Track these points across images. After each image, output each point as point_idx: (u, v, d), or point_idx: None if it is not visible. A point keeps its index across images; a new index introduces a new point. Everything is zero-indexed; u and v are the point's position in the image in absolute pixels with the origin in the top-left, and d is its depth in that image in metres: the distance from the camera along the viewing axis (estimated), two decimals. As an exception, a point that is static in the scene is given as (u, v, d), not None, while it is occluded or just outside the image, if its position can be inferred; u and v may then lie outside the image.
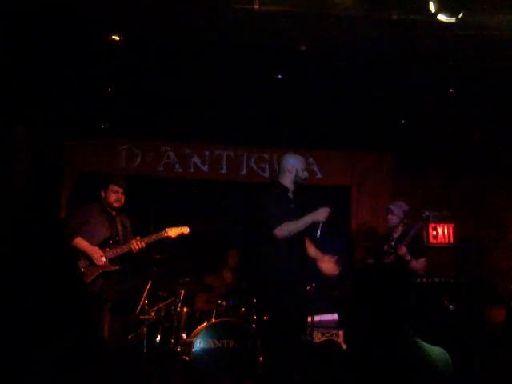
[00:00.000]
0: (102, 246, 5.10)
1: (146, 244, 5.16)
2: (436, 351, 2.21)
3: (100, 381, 5.31)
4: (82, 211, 5.28)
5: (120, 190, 5.24)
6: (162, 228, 5.26)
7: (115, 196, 5.21)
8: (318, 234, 4.51)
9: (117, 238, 5.18)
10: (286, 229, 4.43)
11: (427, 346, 2.20)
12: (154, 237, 5.20)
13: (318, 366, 5.24)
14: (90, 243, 5.05)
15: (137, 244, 5.11)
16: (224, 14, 4.28)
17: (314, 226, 4.53)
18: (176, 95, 5.96)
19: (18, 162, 6.26)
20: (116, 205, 5.22)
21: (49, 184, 6.72)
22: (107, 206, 5.24)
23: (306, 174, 4.70)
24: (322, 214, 4.50)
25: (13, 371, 4.56)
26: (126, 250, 5.12)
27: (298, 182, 4.68)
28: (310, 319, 5.73)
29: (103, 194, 5.24)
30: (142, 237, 5.20)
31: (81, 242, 5.04)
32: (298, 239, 4.56)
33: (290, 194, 4.69)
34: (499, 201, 7.68)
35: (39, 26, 4.53)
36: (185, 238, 6.83)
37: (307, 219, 4.49)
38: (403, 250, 5.09)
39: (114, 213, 5.29)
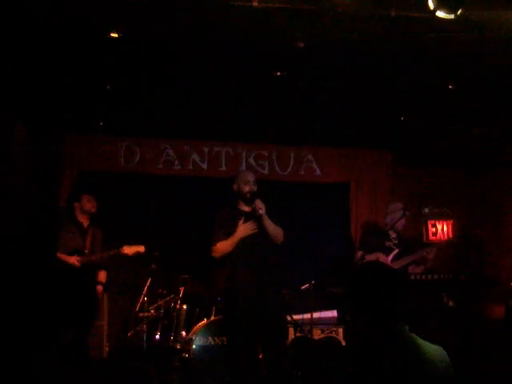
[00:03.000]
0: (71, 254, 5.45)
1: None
2: (434, 349, 2.21)
3: (100, 378, 5.32)
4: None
5: (93, 198, 5.64)
6: (121, 245, 5.53)
7: (90, 204, 5.62)
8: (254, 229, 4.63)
9: (86, 251, 5.50)
10: (219, 249, 4.64)
11: (424, 343, 2.20)
12: (112, 252, 5.54)
13: (318, 363, 5.26)
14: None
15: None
16: (222, 11, 4.27)
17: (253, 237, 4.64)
18: (174, 92, 5.95)
19: (18, 160, 6.25)
20: (93, 210, 5.63)
21: (48, 182, 6.72)
22: (84, 213, 5.61)
23: (246, 188, 4.74)
24: (243, 230, 4.63)
25: (13, 371, 4.57)
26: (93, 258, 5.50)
27: (241, 197, 4.78)
28: (309, 316, 5.75)
29: (77, 205, 5.63)
30: (102, 251, 5.58)
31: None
32: (247, 253, 4.65)
33: (240, 207, 4.79)
34: (499, 198, 7.69)
35: (38, 24, 4.52)
36: (184, 235, 6.90)
37: (234, 237, 4.61)
38: (434, 252, 5.38)
39: (84, 224, 5.62)
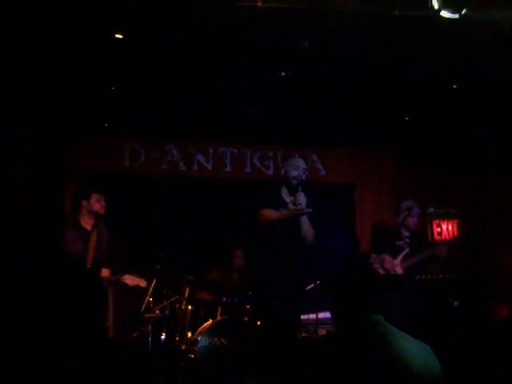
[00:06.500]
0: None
1: None
2: (414, 342, 2.20)
3: (104, 379, 5.32)
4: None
5: (102, 198, 5.31)
6: (123, 273, 5.29)
7: (99, 204, 5.29)
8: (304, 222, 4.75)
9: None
10: (265, 214, 4.69)
11: (402, 334, 2.20)
12: (113, 279, 5.24)
13: (321, 362, 5.23)
14: None
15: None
16: (227, 11, 4.28)
17: (294, 222, 4.71)
18: (179, 93, 5.96)
19: (22, 161, 6.26)
20: (102, 211, 5.30)
21: (53, 184, 6.72)
22: (90, 214, 5.29)
23: (294, 173, 4.74)
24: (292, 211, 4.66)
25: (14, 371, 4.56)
26: None
27: (286, 182, 4.81)
28: (314, 316, 5.75)
29: (85, 204, 5.28)
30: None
31: None
32: (283, 245, 4.72)
33: (283, 194, 4.85)
34: (504, 198, 7.66)
35: (42, 24, 4.53)
36: (189, 236, 6.91)
37: (283, 213, 4.66)
38: (445, 251, 5.40)
39: (88, 227, 5.31)
